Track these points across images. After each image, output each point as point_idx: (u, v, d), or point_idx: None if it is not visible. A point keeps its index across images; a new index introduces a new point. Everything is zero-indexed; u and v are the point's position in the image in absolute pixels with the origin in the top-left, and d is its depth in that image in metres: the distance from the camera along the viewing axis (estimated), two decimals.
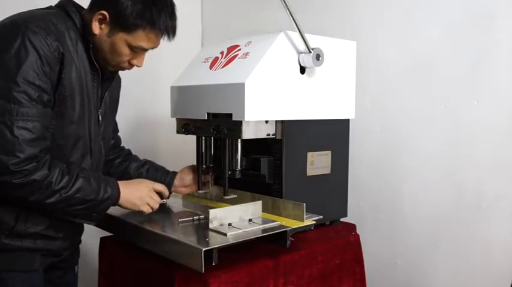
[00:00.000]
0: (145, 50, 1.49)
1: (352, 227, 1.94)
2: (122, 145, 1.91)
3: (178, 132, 1.85)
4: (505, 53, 1.89)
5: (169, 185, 1.80)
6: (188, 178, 1.85)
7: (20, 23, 1.30)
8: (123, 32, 1.42)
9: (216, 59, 1.78)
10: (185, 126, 1.80)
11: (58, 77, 1.34)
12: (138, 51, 1.47)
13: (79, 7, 1.48)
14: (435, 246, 2.13)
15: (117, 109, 1.76)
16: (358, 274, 1.87)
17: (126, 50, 1.45)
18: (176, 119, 1.85)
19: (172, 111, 1.86)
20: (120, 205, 1.53)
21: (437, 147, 2.09)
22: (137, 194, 1.56)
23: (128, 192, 1.53)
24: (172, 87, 1.85)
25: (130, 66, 1.52)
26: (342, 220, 1.97)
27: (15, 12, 1.40)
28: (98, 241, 1.85)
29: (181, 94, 1.81)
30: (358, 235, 1.90)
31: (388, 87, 2.25)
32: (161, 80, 2.59)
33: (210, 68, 1.76)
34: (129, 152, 1.91)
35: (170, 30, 1.48)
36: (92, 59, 1.47)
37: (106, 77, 1.56)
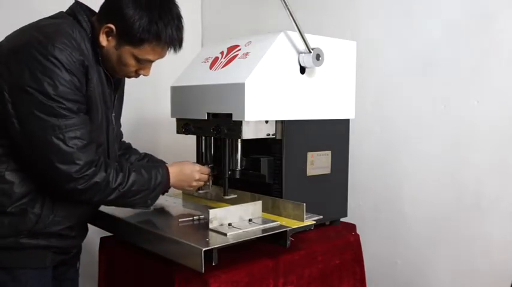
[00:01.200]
0: (152, 61, 1.53)
1: (352, 227, 1.94)
2: (123, 139, 1.94)
3: (178, 132, 1.85)
4: (505, 53, 1.89)
5: None
6: None
7: (45, 42, 1.33)
8: (130, 45, 1.45)
9: (216, 59, 1.78)
10: (185, 126, 1.80)
11: (85, 89, 1.41)
12: (144, 63, 1.51)
13: (89, 13, 1.49)
14: (435, 246, 2.13)
15: (122, 105, 1.79)
16: (358, 274, 1.87)
17: (132, 62, 1.49)
18: (176, 119, 1.85)
19: (172, 112, 1.86)
20: (173, 185, 1.65)
21: (437, 147, 2.09)
22: (184, 175, 1.66)
23: (176, 174, 1.63)
24: (172, 87, 1.85)
25: (137, 75, 1.56)
26: (342, 220, 1.97)
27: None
28: (98, 241, 1.85)
29: (181, 94, 1.81)
30: (358, 235, 1.90)
31: (388, 87, 2.25)
32: (161, 80, 2.58)
33: (210, 68, 1.76)
34: (129, 145, 1.94)
35: (176, 43, 1.50)
36: (103, 68, 1.51)
37: (115, 81, 1.60)
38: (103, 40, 1.45)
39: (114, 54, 1.47)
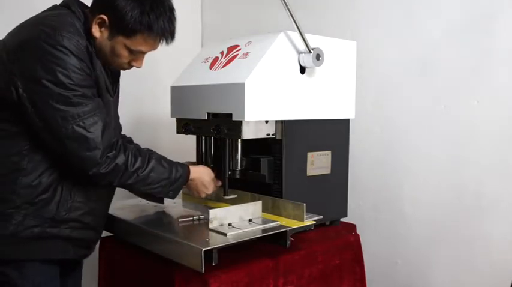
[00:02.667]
0: (144, 53, 1.53)
1: (352, 227, 1.94)
2: (122, 133, 1.91)
3: (178, 132, 1.85)
4: (505, 53, 1.89)
5: None
6: None
7: (53, 33, 1.35)
8: (122, 36, 1.45)
9: (216, 59, 1.78)
10: (185, 126, 1.80)
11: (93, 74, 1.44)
12: (137, 54, 1.52)
13: (81, 5, 1.51)
14: (435, 246, 2.13)
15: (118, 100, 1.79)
16: (358, 274, 1.87)
17: (125, 53, 1.49)
18: (176, 119, 1.85)
19: (172, 111, 1.86)
20: (187, 186, 1.66)
21: (437, 147, 2.09)
22: (201, 183, 1.68)
23: (196, 178, 1.66)
24: (172, 87, 1.85)
25: (130, 67, 1.57)
26: (342, 220, 1.96)
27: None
28: (98, 241, 1.84)
29: (181, 94, 1.81)
30: (358, 235, 1.90)
31: (388, 87, 2.25)
32: (161, 80, 2.59)
33: (210, 68, 1.76)
34: (130, 139, 1.92)
35: (168, 35, 1.51)
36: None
37: (113, 70, 1.61)
38: (96, 31, 1.46)
39: (107, 45, 1.48)
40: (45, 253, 1.46)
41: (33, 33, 1.37)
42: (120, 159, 1.44)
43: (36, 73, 1.33)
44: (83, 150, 1.38)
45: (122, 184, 1.49)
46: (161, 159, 1.56)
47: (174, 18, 1.51)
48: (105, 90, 1.52)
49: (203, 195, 1.72)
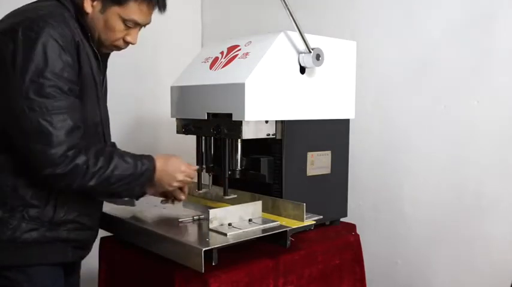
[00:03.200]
0: (139, 24, 1.51)
1: (352, 227, 1.94)
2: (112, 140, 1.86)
3: (178, 132, 1.85)
4: (505, 53, 1.89)
5: None
6: None
7: (38, 20, 1.31)
8: (116, 5, 1.44)
9: (216, 59, 1.78)
10: (185, 126, 1.80)
11: (78, 66, 1.39)
12: (131, 25, 1.49)
13: None
14: (435, 246, 2.13)
15: (107, 94, 1.75)
16: (358, 274, 1.87)
17: (120, 25, 1.47)
18: (176, 119, 1.85)
19: (172, 111, 1.86)
20: (156, 179, 1.52)
21: (437, 147, 2.09)
22: (166, 171, 1.54)
23: (160, 168, 1.52)
24: (172, 87, 1.85)
25: (125, 44, 1.54)
26: (342, 220, 1.96)
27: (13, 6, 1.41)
28: (98, 241, 1.84)
29: (181, 94, 1.81)
30: (358, 235, 1.90)
31: (388, 87, 2.25)
32: (161, 80, 2.59)
33: (210, 68, 1.76)
34: (113, 144, 1.84)
35: (161, 1, 1.51)
36: (91, 45, 1.48)
37: (102, 60, 1.57)
38: (88, 6, 1.44)
39: (100, 19, 1.45)
40: (44, 258, 1.44)
41: (18, 19, 1.33)
42: (81, 159, 1.34)
43: (15, 60, 1.28)
44: (43, 146, 1.29)
45: (83, 186, 1.36)
46: (124, 155, 1.45)
47: None
48: (94, 87, 1.48)
49: (176, 184, 1.57)
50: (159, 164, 1.51)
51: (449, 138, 2.05)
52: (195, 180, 1.77)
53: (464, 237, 2.03)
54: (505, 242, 1.93)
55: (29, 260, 1.42)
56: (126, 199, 1.62)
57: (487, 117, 1.94)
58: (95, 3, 1.44)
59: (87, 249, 1.59)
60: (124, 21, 1.47)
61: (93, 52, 1.49)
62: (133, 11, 1.46)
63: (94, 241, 1.64)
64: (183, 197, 1.67)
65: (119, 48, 1.55)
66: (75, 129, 1.35)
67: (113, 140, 1.81)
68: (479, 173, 1.98)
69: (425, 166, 2.14)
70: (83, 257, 1.60)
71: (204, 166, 1.84)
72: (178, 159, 1.58)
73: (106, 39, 1.50)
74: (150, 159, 1.50)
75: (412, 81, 2.16)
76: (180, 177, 1.56)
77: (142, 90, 2.74)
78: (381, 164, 2.29)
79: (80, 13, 1.45)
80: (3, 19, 1.42)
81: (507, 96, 1.89)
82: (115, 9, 1.44)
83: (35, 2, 1.47)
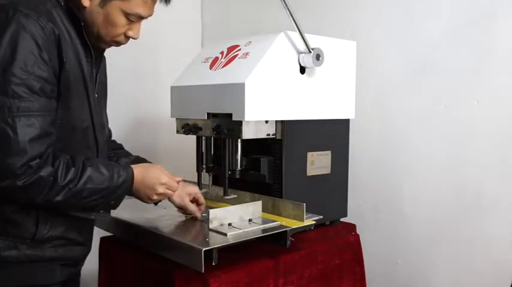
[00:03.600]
0: (142, 17, 1.37)
1: (352, 227, 1.94)
2: (113, 139, 1.81)
3: (178, 132, 1.85)
4: (505, 53, 1.89)
5: None
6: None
7: (7, 6, 1.16)
8: None
9: (216, 59, 1.78)
10: (185, 126, 1.80)
11: (59, 62, 1.23)
12: (134, 19, 1.35)
13: None
14: (435, 246, 2.13)
15: (107, 95, 1.63)
16: (358, 274, 1.87)
17: (122, 20, 1.33)
18: (176, 119, 1.85)
19: (172, 111, 1.85)
20: (133, 191, 1.40)
21: (437, 147, 2.09)
22: (145, 184, 1.41)
23: (139, 179, 1.38)
24: (172, 87, 1.85)
25: (126, 39, 1.40)
26: (342, 220, 1.96)
27: None
28: (98, 241, 1.84)
29: (181, 94, 1.81)
30: (358, 235, 1.90)
31: (388, 87, 2.25)
32: (161, 80, 2.59)
33: (210, 68, 1.76)
34: (120, 146, 1.79)
35: None
36: (83, 38, 1.33)
37: (95, 56, 1.41)
38: (85, 0, 1.29)
39: (99, 14, 1.31)
40: (27, 279, 1.29)
41: None
42: (46, 170, 1.17)
43: None
44: (2, 153, 1.13)
45: (48, 201, 1.21)
46: (99, 165, 1.30)
47: None
48: (81, 82, 1.31)
49: (155, 197, 1.44)
50: (137, 175, 1.38)
51: (449, 138, 2.05)
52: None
53: (464, 237, 2.03)
54: (505, 242, 1.93)
55: (10, 281, 1.28)
56: (101, 211, 1.42)
57: (487, 117, 1.94)
58: None
59: (77, 266, 1.46)
60: (127, 15, 1.33)
61: (84, 46, 1.34)
62: (137, 4, 1.32)
63: (86, 257, 1.50)
64: (198, 214, 1.60)
65: (119, 44, 1.41)
66: (43, 136, 1.19)
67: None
68: (479, 173, 1.98)
69: (425, 166, 2.14)
70: (74, 274, 1.46)
71: (204, 166, 1.84)
72: (159, 169, 1.45)
73: (106, 35, 1.35)
74: (128, 170, 1.36)
75: (412, 81, 2.16)
76: (160, 189, 1.43)
77: (142, 90, 2.74)
78: (381, 164, 2.29)
79: (73, 4, 1.31)
80: None
81: (507, 96, 1.89)
82: (116, 3, 1.30)
83: None
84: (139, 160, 1.69)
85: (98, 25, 1.33)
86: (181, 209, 1.64)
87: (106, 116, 1.60)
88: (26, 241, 1.27)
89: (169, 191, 1.46)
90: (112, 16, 1.32)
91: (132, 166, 1.40)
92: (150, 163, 1.66)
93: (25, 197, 1.20)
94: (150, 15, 1.39)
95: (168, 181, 1.44)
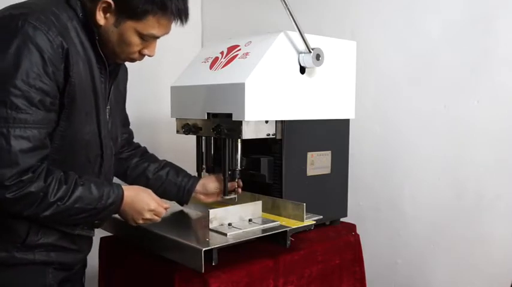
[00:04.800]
0: (157, 37, 1.37)
1: (352, 227, 1.94)
2: (135, 141, 1.83)
3: (178, 132, 1.85)
4: (505, 53, 1.89)
5: (190, 190, 1.73)
6: (212, 186, 1.75)
7: (18, 17, 1.16)
8: (132, 20, 1.28)
9: (216, 59, 1.78)
10: (185, 126, 1.80)
11: (65, 76, 1.22)
12: (149, 39, 1.35)
13: None
14: (435, 246, 2.13)
15: (125, 101, 1.65)
16: (358, 274, 1.87)
17: (136, 40, 1.32)
18: (176, 119, 1.85)
19: (172, 111, 1.85)
20: (120, 212, 1.40)
21: (437, 147, 2.09)
22: (134, 208, 1.41)
23: (129, 202, 1.39)
24: (172, 87, 1.85)
25: (141, 56, 1.40)
26: (342, 220, 1.96)
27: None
28: (98, 241, 1.84)
29: (181, 94, 1.81)
30: (358, 235, 1.90)
31: (388, 87, 2.25)
32: (161, 80, 2.59)
33: (210, 68, 1.76)
34: (145, 150, 1.80)
35: (183, 13, 1.35)
36: (98, 51, 1.33)
37: (111, 69, 1.42)
38: (100, 18, 1.28)
39: (114, 33, 1.30)
40: (14, 283, 1.28)
41: (2, 15, 1.19)
42: (37, 185, 1.17)
43: None
44: None
45: (35, 214, 1.20)
46: (91, 185, 1.28)
47: None
48: (91, 95, 1.32)
49: (140, 222, 1.44)
50: (127, 198, 1.37)
51: (449, 138, 2.05)
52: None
53: (464, 237, 2.03)
54: (505, 242, 1.93)
55: (8, 283, 1.27)
56: (85, 228, 1.42)
57: (487, 117, 1.94)
58: (108, 15, 1.28)
59: (71, 270, 1.43)
60: (141, 35, 1.32)
61: (98, 58, 1.34)
62: (152, 26, 1.31)
63: (83, 261, 1.50)
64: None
65: (134, 61, 1.41)
66: (36, 148, 1.18)
67: None
68: (479, 173, 1.98)
69: (425, 165, 2.14)
70: (67, 280, 1.42)
71: (204, 166, 1.84)
72: (150, 195, 1.45)
73: (121, 53, 1.35)
74: (118, 191, 1.35)
75: (412, 81, 2.16)
76: (148, 215, 1.43)
77: (142, 90, 2.73)
78: (381, 164, 2.29)
79: (90, 19, 1.30)
80: None
81: (507, 96, 1.89)
82: (131, 24, 1.29)
83: None
84: (168, 166, 1.75)
85: (113, 43, 1.33)
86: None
87: (126, 119, 1.66)
88: (16, 245, 1.26)
89: (155, 217, 1.46)
90: (126, 36, 1.31)
91: (124, 187, 1.39)
92: (180, 167, 1.76)
93: (13, 209, 1.19)
94: (166, 34, 1.38)
95: (156, 207, 1.44)
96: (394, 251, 2.26)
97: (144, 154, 1.80)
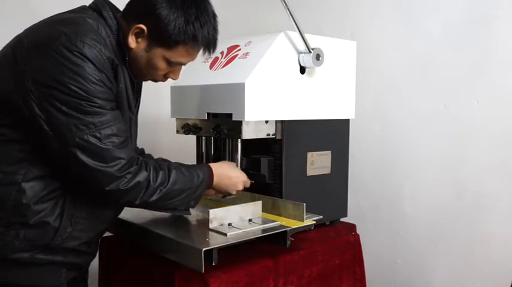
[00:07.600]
0: (184, 64, 1.44)
1: (352, 227, 1.94)
2: (140, 147, 1.86)
3: (178, 132, 1.85)
4: (505, 53, 1.89)
5: None
6: None
7: (74, 37, 1.22)
8: (163, 47, 1.35)
9: (216, 59, 1.78)
10: (185, 126, 1.80)
11: (115, 85, 1.32)
12: (175, 65, 1.42)
13: (114, 10, 1.38)
14: (435, 246, 2.13)
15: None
16: (358, 274, 1.87)
17: (163, 65, 1.39)
18: (176, 119, 1.85)
19: (172, 111, 1.86)
20: (213, 187, 1.55)
21: (437, 147, 2.09)
22: (228, 180, 1.57)
23: (221, 176, 1.54)
24: (172, 87, 1.85)
25: (165, 79, 1.48)
26: (342, 220, 1.96)
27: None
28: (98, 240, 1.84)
29: (181, 94, 1.81)
30: (358, 235, 1.90)
31: (388, 87, 2.25)
32: None
33: (210, 68, 1.76)
34: (142, 151, 1.84)
35: (211, 45, 1.40)
36: (127, 68, 1.40)
37: (139, 85, 1.54)
38: (132, 42, 1.34)
39: (143, 57, 1.37)
40: (32, 281, 1.32)
41: (53, 33, 1.23)
42: (142, 176, 1.31)
43: (51, 79, 1.19)
44: (98, 162, 1.23)
45: (145, 201, 1.34)
46: (180, 168, 1.43)
47: (217, 26, 1.42)
48: (127, 107, 1.40)
49: (234, 192, 1.61)
50: (218, 174, 1.53)
51: (449, 138, 2.06)
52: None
53: (464, 237, 2.03)
54: (505, 242, 1.93)
55: (14, 280, 1.30)
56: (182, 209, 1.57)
57: (487, 117, 1.95)
58: (139, 39, 1.34)
59: (81, 270, 1.50)
60: (169, 62, 1.39)
61: (128, 74, 1.41)
62: (181, 55, 1.37)
63: (90, 262, 1.56)
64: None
65: (157, 81, 1.50)
66: (126, 141, 1.30)
67: None
68: (479, 173, 1.98)
69: (425, 165, 2.14)
70: (74, 278, 1.48)
71: None
72: (236, 168, 1.63)
73: (147, 75, 1.44)
74: (204, 171, 1.49)
75: (412, 81, 2.16)
76: (241, 186, 1.61)
77: (142, 90, 2.73)
78: (381, 164, 2.29)
79: (122, 35, 1.35)
80: (36, 26, 1.32)
81: (507, 96, 1.90)
82: (161, 51, 1.35)
83: (73, 11, 1.35)
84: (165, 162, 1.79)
85: (141, 65, 1.39)
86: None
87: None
88: (38, 247, 1.30)
89: (247, 185, 1.64)
90: (155, 61, 1.38)
91: (211, 165, 1.55)
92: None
93: (128, 199, 1.32)
94: (192, 61, 1.44)
95: (247, 180, 1.63)
96: (394, 251, 2.26)
97: (140, 154, 1.81)
